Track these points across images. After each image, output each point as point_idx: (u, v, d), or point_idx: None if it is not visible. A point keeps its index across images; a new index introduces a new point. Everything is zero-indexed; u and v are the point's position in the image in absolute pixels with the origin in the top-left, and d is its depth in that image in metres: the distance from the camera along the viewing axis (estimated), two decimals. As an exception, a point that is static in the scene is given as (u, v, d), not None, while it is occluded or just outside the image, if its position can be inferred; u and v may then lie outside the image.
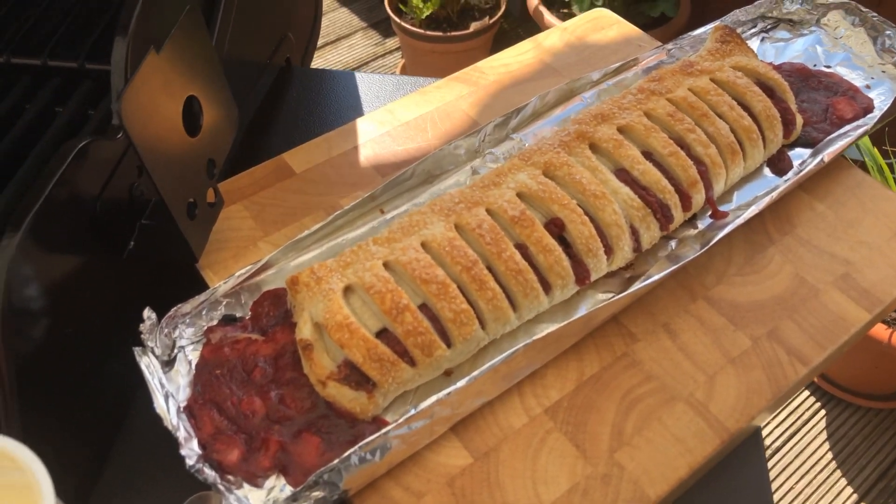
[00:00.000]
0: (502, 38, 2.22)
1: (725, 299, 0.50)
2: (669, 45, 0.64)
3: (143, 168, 0.51)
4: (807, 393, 1.54)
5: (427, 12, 1.86)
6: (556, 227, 0.48)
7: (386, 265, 0.45)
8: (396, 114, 0.63)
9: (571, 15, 1.82)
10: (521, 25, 2.25)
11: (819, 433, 1.49)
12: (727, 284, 0.51)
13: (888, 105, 0.57)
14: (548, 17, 1.81)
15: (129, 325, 0.48)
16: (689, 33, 0.64)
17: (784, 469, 1.46)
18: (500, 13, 1.92)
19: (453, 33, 1.87)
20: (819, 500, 1.42)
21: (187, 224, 0.48)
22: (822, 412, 1.52)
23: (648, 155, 0.51)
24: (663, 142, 0.51)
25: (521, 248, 0.47)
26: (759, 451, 0.49)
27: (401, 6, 1.96)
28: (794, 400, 1.53)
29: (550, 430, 0.45)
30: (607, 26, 0.70)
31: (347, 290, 0.45)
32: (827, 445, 1.48)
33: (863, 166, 1.37)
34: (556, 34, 0.70)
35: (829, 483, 1.44)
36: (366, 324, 0.44)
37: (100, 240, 0.46)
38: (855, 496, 1.42)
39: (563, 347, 0.48)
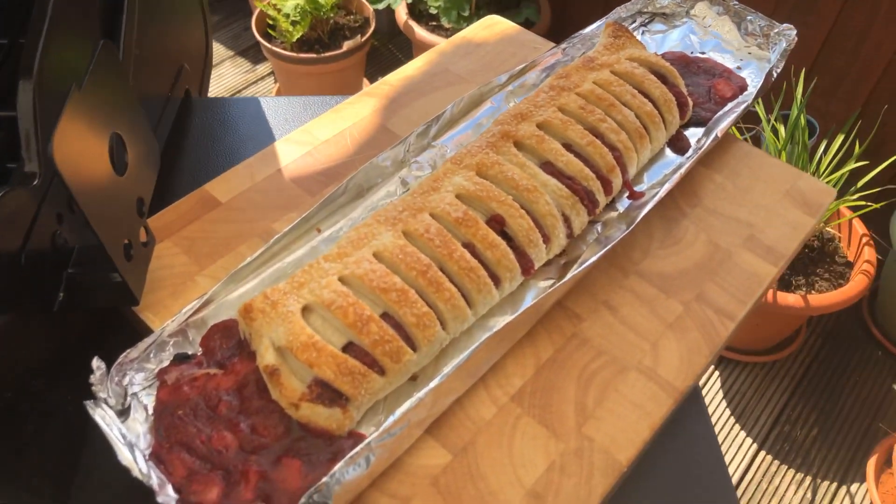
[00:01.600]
0: (375, 55, 2.24)
1: (654, 271, 0.54)
2: (564, 45, 0.68)
3: (62, 216, 0.48)
4: (702, 357, 1.65)
5: (297, 35, 1.85)
6: (498, 224, 0.50)
7: (342, 280, 0.46)
8: (314, 133, 0.63)
9: (441, 27, 1.87)
10: (392, 41, 2.29)
11: (716, 393, 1.62)
12: (653, 258, 0.55)
13: (761, 82, 0.63)
14: (418, 31, 1.85)
15: (70, 380, 0.46)
16: (579, 32, 0.68)
17: (692, 431, 1.56)
18: (370, 30, 1.94)
19: (327, 54, 1.87)
20: (724, 454, 1.53)
21: (125, 266, 0.46)
22: (717, 374, 1.65)
23: (568, 147, 0.55)
24: (580, 133, 0.54)
25: (469, 246, 0.49)
26: (701, 406, 0.53)
27: (269, 31, 1.93)
28: (692, 366, 1.64)
29: (520, 416, 0.47)
30: (501, 32, 0.74)
31: (305, 310, 0.45)
32: (725, 404, 1.61)
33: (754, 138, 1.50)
34: (455, 42, 0.72)
35: (730, 437, 1.56)
36: (329, 340, 0.44)
37: (28, 295, 0.44)
38: (755, 446, 1.54)
39: (517, 337, 0.50)
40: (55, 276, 0.47)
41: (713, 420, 1.57)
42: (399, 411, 0.42)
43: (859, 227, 1.54)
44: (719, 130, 0.59)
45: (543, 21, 1.88)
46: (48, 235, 0.46)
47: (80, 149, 0.42)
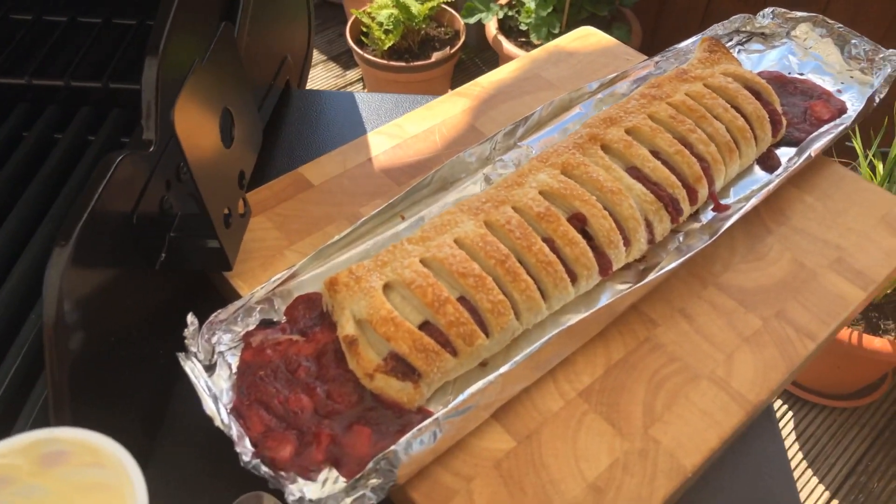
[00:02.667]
0: (462, 68, 2.28)
1: (733, 285, 0.54)
2: (657, 58, 0.68)
3: (170, 183, 0.52)
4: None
5: (389, 44, 1.90)
6: (579, 222, 0.51)
7: (423, 262, 0.47)
8: (405, 127, 0.65)
9: (529, 43, 1.89)
10: (479, 55, 2.32)
11: (788, 434, 1.55)
12: (733, 272, 0.55)
13: (861, 106, 0.62)
14: (506, 45, 1.87)
15: (162, 335, 0.49)
16: (674, 46, 0.69)
17: (759, 471, 1.50)
18: (459, 43, 1.98)
19: (415, 63, 1.91)
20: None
21: (224, 232, 0.49)
22: (790, 414, 1.58)
23: (655, 154, 0.55)
24: (669, 141, 0.55)
25: (548, 241, 0.49)
26: (775, 426, 0.52)
27: (363, 38, 2.00)
28: (763, 404, 1.59)
29: (586, 412, 0.47)
30: (595, 43, 0.74)
31: (386, 287, 0.47)
32: (797, 446, 1.54)
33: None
34: (549, 50, 0.74)
35: (801, 482, 1.49)
36: (407, 318, 0.46)
37: (136, 252, 0.47)
38: (827, 493, 1.47)
39: (590, 335, 0.50)
40: (159, 238, 0.51)
41: (782, 463, 1.51)
42: (468, 391, 0.43)
43: (958, 275, 1.45)
44: (812, 150, 0.58)
45: (634, 42, 1.87)
46: (157, 200, 0.50)
47: (196, 119, 0.45)
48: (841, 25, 0.68)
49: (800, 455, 1.52)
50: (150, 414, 0.49)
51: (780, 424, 1.56)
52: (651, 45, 1.98)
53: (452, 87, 2.12)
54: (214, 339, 0.48)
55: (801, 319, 0.52)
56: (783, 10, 0.71)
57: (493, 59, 2.26)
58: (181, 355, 0.45)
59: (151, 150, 0.48)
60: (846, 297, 0.53)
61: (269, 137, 0.70)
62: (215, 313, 0.48)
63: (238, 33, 0.58)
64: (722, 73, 0.60)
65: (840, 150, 1.64)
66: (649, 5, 1.95)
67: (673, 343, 0.50)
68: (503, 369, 0.44)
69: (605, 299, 0.52)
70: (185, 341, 0.45)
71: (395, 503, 0.46)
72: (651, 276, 0.50)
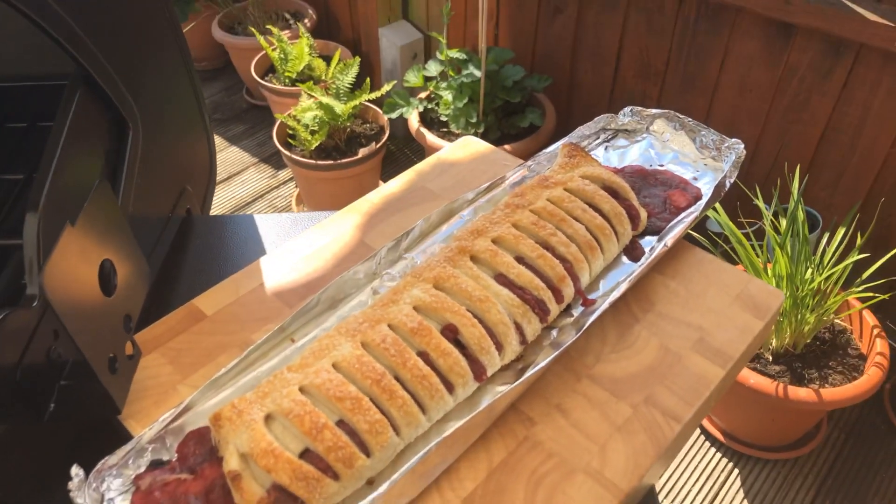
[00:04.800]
0: (392, 159, 2.36)
1: (605, 375, 0.58)
2: (529, 162, 0.74)
3: (58, 332, 0.54)
4: (719, 455, 1.63)
5: (316, 143, 1.97)
6: (451, 332, 0.54)
7: (302, 389, 0.50)
8: (297, 248, 0.69)
9: (451, 133, 1.98)
10: (407, 146, 2.41)
11: (737, 492, 1.58)
12: (605, 362, 0.59)
13: (710, 193, 0.68)
14: (429, 137, 1.96)
15: (55, 486, 0.50)
16: (544, 150, 0.75)
17: (712, 531, 1.52)
18: (385, 137, 2.06)
19: (343, 160, 1.98)
20: (748, 556, 1.48)
21: (109, 379, 0.51)
22: (736, 471, 1.61)
23: (521, 259, 0.59)
24: (531, 247, 0.59)
25: (423, 355, 0.53)
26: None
27: (290, 140, 2.06)
28: (710, 463, 1.62)
29: (470, 519, 0.49)
30: (475, 151, 0.80)
31: (268, 418, 0.49)
32: (746, 502, 1.56)
33: (725, 240, 1.54)
34: (432, 162, 0.79)
35: (754, 538, 1.50)
36: (288, 447, 0.48)
37: (21, 406, 0.48)
38: (780, 546, 1.49)
39: (471, 440, 0.53)
40: (48, 388, 0.52)
41: (734, 520, 1.53)
42: (348, 515, 0.45)
43: (870, 319, 1.53)
44: (669, 238, 0.64)
45: (548, 124, 1.98)
46: (44, 350, 0.51)
47: (70, 276, 0.47)
48: (690, 119, 0.75)
49: (749, 510, 1.54)
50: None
51: (730, 483, 1.58)
52: (567, 123, 2.10)
53: (383, 180, 2.19)
54: (104, 487, 0.49)
55: (667, 402, 0.55)
56: (640, 108, 0.78)
57: (420, 149, 2.35)
58: (66, 509, 0.46)
59: (35, 304, 0.50)
60: (707, 376, 0.57)
61: (171, 267, 0.73)
62: (103, 460, 0.49)
63: (126, 177, 0.62)
64: (581, 176, 0.66)
65: (747, 211, 1.74)
66: (560, 89, 2.07)
67: (550, 440, 0.53)
68: (382, 489, 0.46)
69: (485, 402, 0.55)
70: (70, 494, 0.46)
71: None
72: (525, 376, 0.53)
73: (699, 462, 1.62)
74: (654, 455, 0.52)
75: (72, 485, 0.46)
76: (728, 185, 0.70)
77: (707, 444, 1.65)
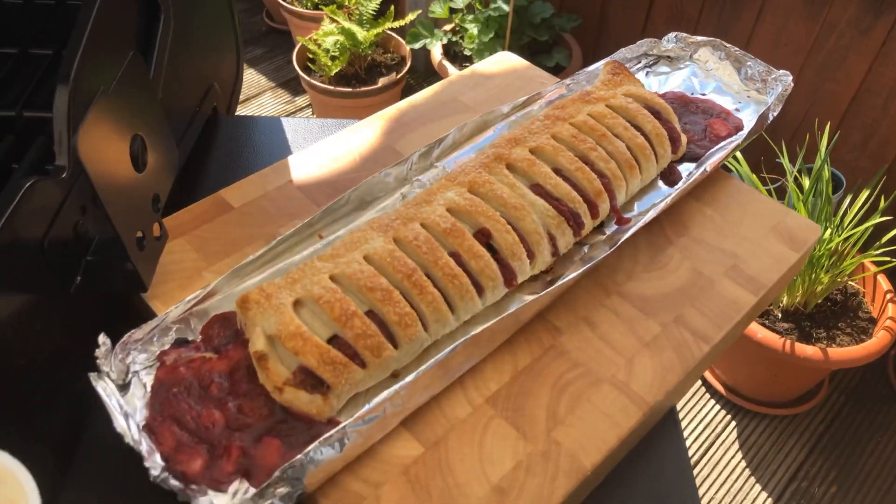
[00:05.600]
0: (409, 92, 2.32)
1: (635, 293, 0.57)
2: (568, 81, 0.72)
3: (86, 207, 0.53)
4: (718, 407, 1.64)
5: (335, 70, 1.93)
6: (484, 236, 0.53)
7: (332, 278, 0.49)
8: (327, 150, 0.67)
9: (474, 68, 1.93)
10: (427, 80, 2.36)
11: (732, 443, 1.60)
12: (636, 281, 0.58)
13: (754, 123, 0.66)
14: (451, 71, 1.92)
15: (79, 356, 0.50)
16: (583, 69, 0.72)
17: (703, 481, 1.54)
18: (405, 69, 2.02)
19: (362, 89, 1.94)
20: (740, 505, 1.50)
21: (137, 254, 0.50)
22: (733, 423, 1.63)
23: (558, 171, 0.58)
24: (570, 159, 0.58)
25: (455, 256, 0.52)
26: (677, 428, 0.54)
27: (309, 65, 2.02)
28: (707, 414, 1.63)
29: (492, 417, 0.49)
30: (511, 67, 0.78)
31: (296, 304, 0.49)
32: (740, 455, 1.58)
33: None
34: (466, 74, 0.77)
35: (745, 490, 1.53)
36: (317, 333, 0.47)
37: (47, 276, 0.48)
38: (770, 500, 1.51)
39: (497, 343, 0.52)
40: (75, 262, 0.52)
41: (728, 471, 1.55)
42: (375, 400, 0.45)
43: (884, 284, 1.52)
44: (709, 164, 0.62)
45: (574, 66, 1.93)
46: (71, 224, 0.51)
47: (104, 145, 0.46)
48: (737, 49, 0.73)
49: (742, 463, 1.56)
50: (63, 441, 0.49)
51: (725, 435, 1.60)
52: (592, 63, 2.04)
53: (400, 112, 2.15)
54: (129, 359, 0.49)
55: (697, 324, 0.55)
56: (685, 34, 0.75)
57: (439, 84, 2.30)
58: (93, 375, 0.46)
59: (64, 176, 0.49)
60: (739, 302, 0.56)
61: (195, 163, 0.72)
62: (129, 333, 0.49)
63: (156, 64, 0.60)
64: (624, 95, 0.64)
65: (770, 167, 1.71)
66: (588, 30, 2.02)
67: (577, 349, 0.53)
68: (409, 378, 0.46)
69: (513, 309, 0.54)
70: (97, 361, 0.46)
71: (306, 514, 0.47)
72: (556, 285, 0.52)
73: (698, 412, 1.64)
74: (682, 372, 0.52)
75: (99, 352, 0.46)
76: (771, 117, 0.68)
77: (707, 395, 1.67)
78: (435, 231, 0.52)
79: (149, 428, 0.45)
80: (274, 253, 0.56)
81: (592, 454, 0.47)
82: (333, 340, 0.47)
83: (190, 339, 0.51)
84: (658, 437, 0.53)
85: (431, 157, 0.64)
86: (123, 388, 0.48)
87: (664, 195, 0.63)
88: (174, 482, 0.42)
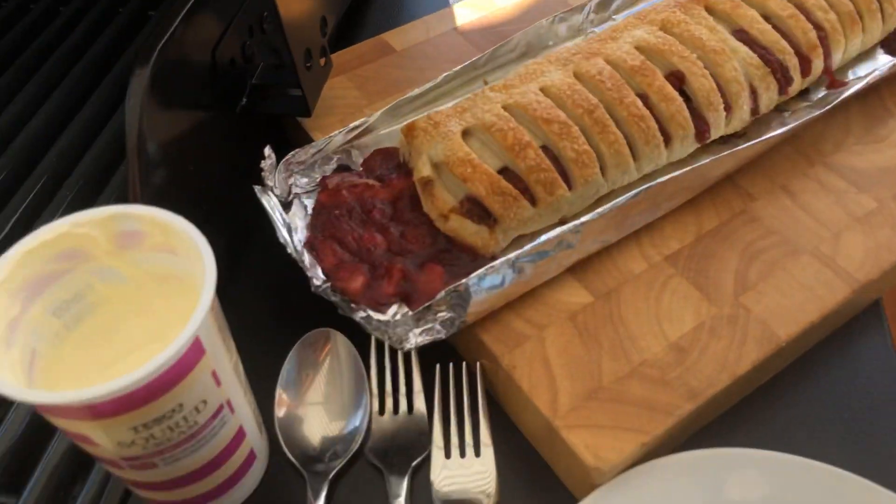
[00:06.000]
0: None
1: (845, 165, 0.49)
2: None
3: (253, 29, 0.51)
4: None
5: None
6: (677, 80, 0.47)
7: (505, 108, 0.45)
8: (494, 0, 0.62)
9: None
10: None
11: None
12: (846, 152, 0.50)
13: None
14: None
15: (237, 183, 0.49)
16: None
17: None
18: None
19: None
20: None
21: (304, 74, 0.48)
22: None
23: (767, 18, 0.50)
24: (782, 4, 0.50)
25: (642, 97, 0.46)
26: (881, 321, 0.47)
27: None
28: None
29: (672, 276, 0.44)
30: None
31: (465, 133, 0.45)
32: None
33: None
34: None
35: None
36: (486, 163, 0.44)
37: (214, 92, 0.47)
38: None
39: (679, 201, 0.47)
40: (241, 83, 0.50)
41: None
42: (546, 235, 0.41)
43: None
44: (949, 27, 0.52)
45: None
46: (239, 44, 0.49)
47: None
48: None
49: None
50: (230, 247, 0.49)
51: None
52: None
53: None
54: (291, 181, 0.47)
55: (922, 201, 0.46)
56: None
57: None
58: (257, 188, 0.45)
59: (237, -13, 0.47)
60: (977, 182, 0.47)
61: (359, 4, 0.69)
62: (293, 152, 0.47)
63: None
64: (848, -59, 0.54)
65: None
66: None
67: (772, 217, 0.46)
68: (585, 218, 0.41)
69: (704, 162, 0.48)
70: (262, 174, 0.45)
71: (459, 348, 0.45)
72: (751, 143, 0.46)
73: None
74: (901, 251, 0.44)
75: (264, 164, 0.45)
76: None
77: None
78: (621, 68, 0.47)
79: (310, 245, 0.44)
80: (437, 92, 0.53)
81: (788, 325, 0.41)
82: (503, 173, 0.44)
83: (351, 168, 0.49)
84: (860, 329, 0.46)
85: (609, 10, 0.58)
86: (285, 206, 0.46)
87: (886, 64, 0.54)
88: (334, 295, 0.41)
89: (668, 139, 0.46)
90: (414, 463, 0.40)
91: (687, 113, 0.46)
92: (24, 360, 0.31)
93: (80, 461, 0.40)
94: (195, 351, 0.29)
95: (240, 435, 0.36)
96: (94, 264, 0.33)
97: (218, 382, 0.32)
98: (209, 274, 0.30)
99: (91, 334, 0.34)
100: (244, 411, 0.36)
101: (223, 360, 0.32)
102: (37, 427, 0.41)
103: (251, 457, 0.38)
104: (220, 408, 0.33)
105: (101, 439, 0.30)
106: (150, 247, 0.33)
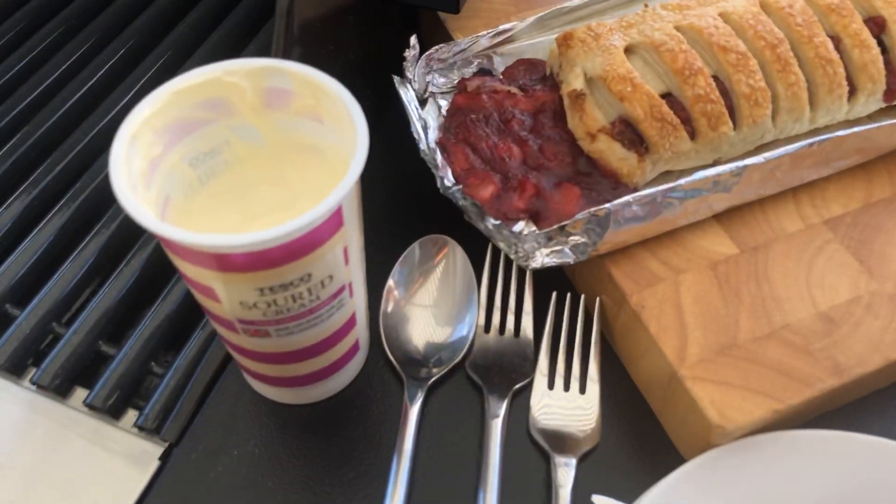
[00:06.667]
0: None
1: None
2: None
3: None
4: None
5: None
6: (876, 27, 0.42)
7: (678, 29, 0.41)
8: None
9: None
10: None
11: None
12: None
13: None
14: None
15: (384, 63, 0.46)
16: None
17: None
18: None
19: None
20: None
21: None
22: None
23: None
24: None
25: (834, 40, 0.41)
26: None
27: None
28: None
29: (829, 241, 0.40)
30: None
31: (628, 50, 0.41)
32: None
33: None
34: None
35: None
36: (648, 84, 0.40)
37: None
38: None
39: (850, 164, 0.42)
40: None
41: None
42: (700, 174, 0.37)
43: None
44: None
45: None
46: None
47: None
48: None
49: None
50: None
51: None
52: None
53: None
54: (429, 78, 0.45)
55: None
56: None
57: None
58: (397, 79, 0.43)
59: None
60: None
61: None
62: (436, 47, 0.44)
63: None
64: None
65: None
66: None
67: (958, 197, 0.41)
68: (749, 160, 0.37)
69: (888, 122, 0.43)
70: (404, 63, 0.43)
71: (577, 282, 0.42)
72: (948, 114, 0.40)
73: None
74: None
75: (407, 54, 0.42)
76: None
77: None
78: (816, 4, 0.42)
79: (442, 146, 0.42)
80: (592, 9, 0.49)
81: (960, 317, 0.37)
82: (665, 99, 0.40)
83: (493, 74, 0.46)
84: None
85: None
86: (421, 102, 0.44)
87: None
88: (464, 199, 0.38)
89: (852, 91, 0.41)
90: (516, 387, 0.38)
91: (882, 65, 0.41)
92: (159, 204, 0.30)
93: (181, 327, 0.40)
94: (335, 221, 0.28)
95: (351, 321, 0.35)
96: (236, 120, 0.32)
97: (346, 260, 0.30)
98: (361, 142, 0.28)
99: (221, 192, 0.33)
100: (360, 299, 0.35)
101: (355, 238, 0.31)
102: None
103: (355, 347, 0.37)
104: (342, 288, 0.31)
105: (225, 296, 0.29)
106: (296, 110, 0.32)
